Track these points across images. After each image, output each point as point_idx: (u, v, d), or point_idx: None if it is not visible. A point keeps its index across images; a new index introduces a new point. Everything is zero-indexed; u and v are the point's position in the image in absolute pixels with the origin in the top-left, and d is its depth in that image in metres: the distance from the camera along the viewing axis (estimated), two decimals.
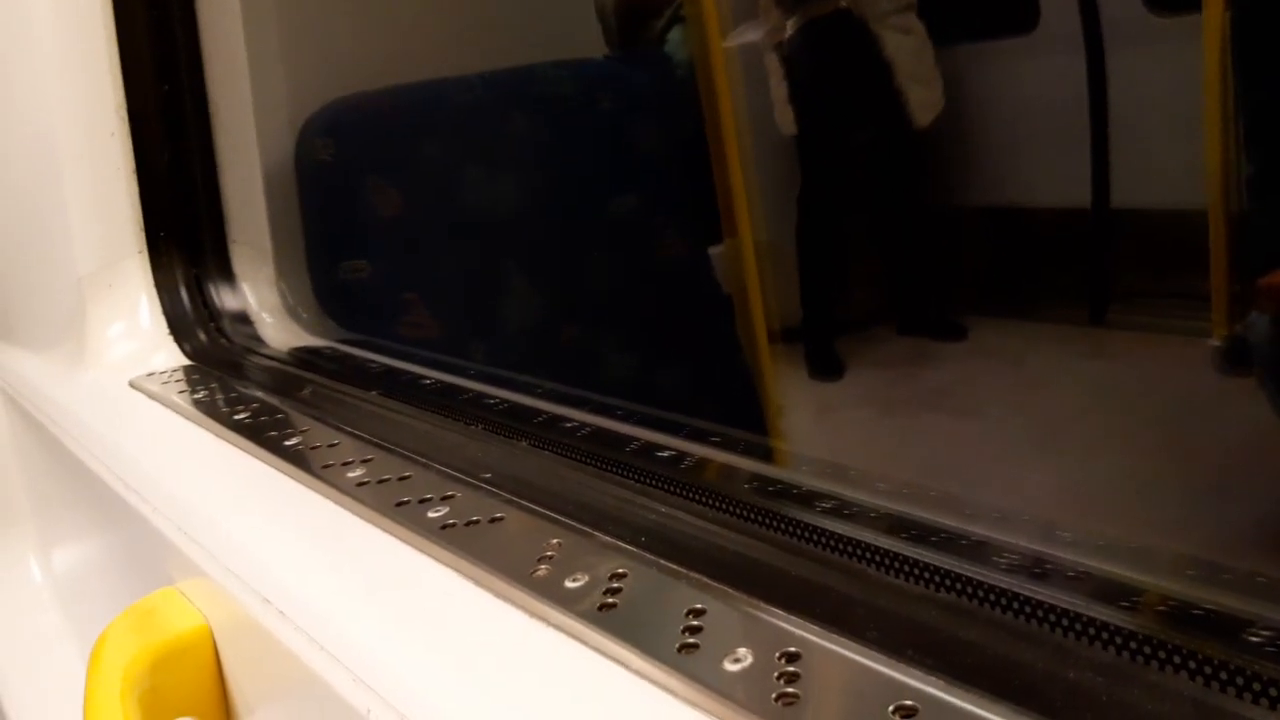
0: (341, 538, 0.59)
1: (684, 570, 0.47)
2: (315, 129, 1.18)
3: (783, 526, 0.49)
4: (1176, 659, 0.35)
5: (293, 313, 1.08)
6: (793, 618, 0.42)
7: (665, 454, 0.62)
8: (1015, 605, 0.39)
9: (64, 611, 1.24)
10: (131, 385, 0.95)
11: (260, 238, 1.10)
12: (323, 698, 0.47)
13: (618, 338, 1.32)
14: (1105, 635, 0.36)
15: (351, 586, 0.53)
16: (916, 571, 0.42)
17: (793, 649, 0.40)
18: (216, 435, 0.78)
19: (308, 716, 0.52)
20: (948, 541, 0.45)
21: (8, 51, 1.04)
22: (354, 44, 1.23)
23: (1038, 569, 0.42)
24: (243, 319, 1.06)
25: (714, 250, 1.51)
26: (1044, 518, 0.47)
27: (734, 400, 1.38)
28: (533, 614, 0.46)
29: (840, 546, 0.46)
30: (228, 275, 1.07)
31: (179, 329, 1.04)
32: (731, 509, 0.52)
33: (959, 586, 0.41)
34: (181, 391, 0.90)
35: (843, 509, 0.50)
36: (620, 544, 0.50)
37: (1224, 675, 0.33)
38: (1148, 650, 0.35)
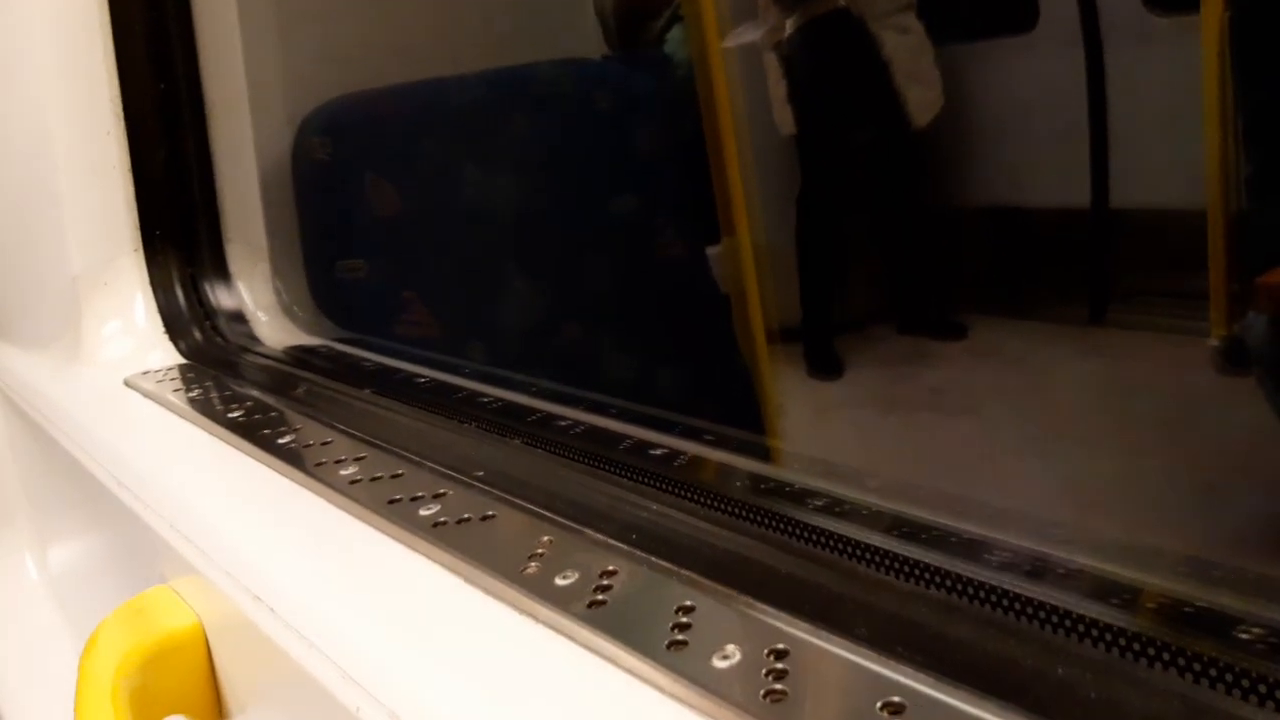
0: (334, 536, 0.58)
1: (674, 568, 0.47)
2: (312, 127, 1.18)
3: (773, 524, 0.49)
4: (1166, 656, 0.34)
5: (288, 311, 1.08)
6: (782, 615, 0.42)
7: (658, 452, 0.62)
8: (1005, 602, 0.39)
9: (59, 608, 1.24)
10: (126, 383, 0.95)
11: (256, 236, 1.10)
12: (313, 695, 0.47)
13: (616, 338, 1.31)
14: (1095, 632, 0.36)
15: (343, 584, 0.53)
16: (906, 569, 0.42)
17: (781, 646, 0.40)
18: (211, 433, 0.78)
19: (298, 714, 0.52)
20: (938, 539, 0.45)
21: (3, 50, 1.04)
22: (351, 42, 1.23)
23: (1028, 567, 0.41)
24: (238, 318, 1.06)
25: (712, 250, 1.51)
26: (1037, 516, 0.47)
27: (733, 400, 1.37)
28: (522, 611, 0.46)
29: (830, 544, 0.46)
30: (223, 274, 1.07)
31: (174, 327, 1.04)
32: (723, 507, 0.51)
33: (949, 584, 0.41)
34: (176, 390, 0.90)
35: (833, 507, 0.50)
36: (611, 542, 0.50)
37: (1214, 672, 0.33)
38: (1137, 647, 0.35)
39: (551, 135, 1.32)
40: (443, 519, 0.56)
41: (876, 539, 0.45)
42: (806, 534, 0.47)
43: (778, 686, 0.37)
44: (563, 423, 0.70)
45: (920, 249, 1.79)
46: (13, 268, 1.19)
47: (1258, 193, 1.07)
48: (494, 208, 1.25)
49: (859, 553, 0.44)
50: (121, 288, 1.03)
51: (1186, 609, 0.37)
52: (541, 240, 1.29)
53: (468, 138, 1.25)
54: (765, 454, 0.78)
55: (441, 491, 0.60)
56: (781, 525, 0.48)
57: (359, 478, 0.63)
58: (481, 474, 0.61)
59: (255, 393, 0.86)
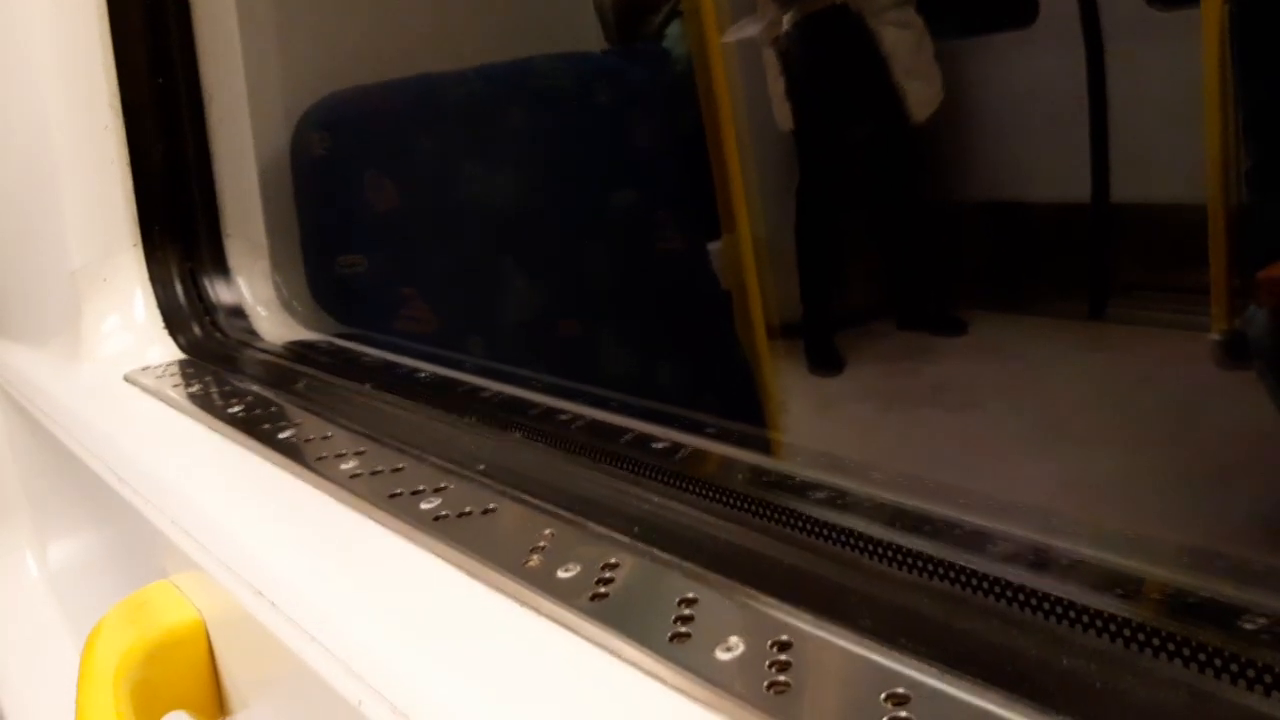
0: (335, 530, 0.58)
1: (676, 560, 0.47)
2: (311, 122, 1.18)
3: (775, 516, 0.48)
4: (1170, 646, 0.34)
5: (287, 306, 1.08)
6: (785, 606, 0.41)
7: (659, 445, 0.61)
8: (1009, 594, 0.39)
9: (60, 605, 1.24)
10: (126, 379, 0.95)
11: (255, 231, 1.09)
12: (315, 689, 0.47)
13: (616, 333, 1.31)
14: (1099, 623, 0.36)
15: (344, 578, 0.53)
16: (909, 560, 0.42)
17: (785, 637, 0.39)
18: (211, 429, 0.78)
19: (300, 708, 0.52)
20: (941, 530, 0.44)
21: (2, 46, 1.04)
22: (350, 37, 1.23)
23: (1032, 558, 0.41)
24: (238, 313, 1.06)
25: (713, 246, 1.51)
26: (1039, 507, 0.47)
27: (733, 396, 1.37)
28: (525, 604, 0.46)
29: (833, 535, 0.46)
30: (222, 269, 1.07)
31: (174, 323, 1.04)
32: (725, 499, 0.51)
33: (952, 575, 0.41)
34: (176, 385, 0.90)
35: (836, 498, 0.50)
36: (613, 534, 0.50)
37: (1218, 662, 0.33)
38: (1142, 638, 0.35)
39: (551, 130, 1.31)
40: (444, 513, 0.56)
41: (879, 531, 0.45)
42: (809, 526, 0.47)
43: (781, 678, 0.37)
44: (564, 416, 0.70)
45: (920, 244, 1.79)
46: (12, 263, 1.19)
47: (1258, 187, 1.07)
48: (493, 202, 1.25)
49: (861, 544, 0.44)
50: (121, 283, 1.03)
51: (1190, 599, 0.37)
52: (541, 235, 1.29)
53: (466, 132, 1.25)
54: (767, 447, 0.78)
55: (442, 485, 0.59)
56: (784, 517, 0.48)
57: (359, 472, 0.63)
58: (482, 467, 0.61)
59: (255, 388, 0.86)
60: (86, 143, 0.99)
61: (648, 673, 0.40)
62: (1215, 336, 1.16)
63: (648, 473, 0.56)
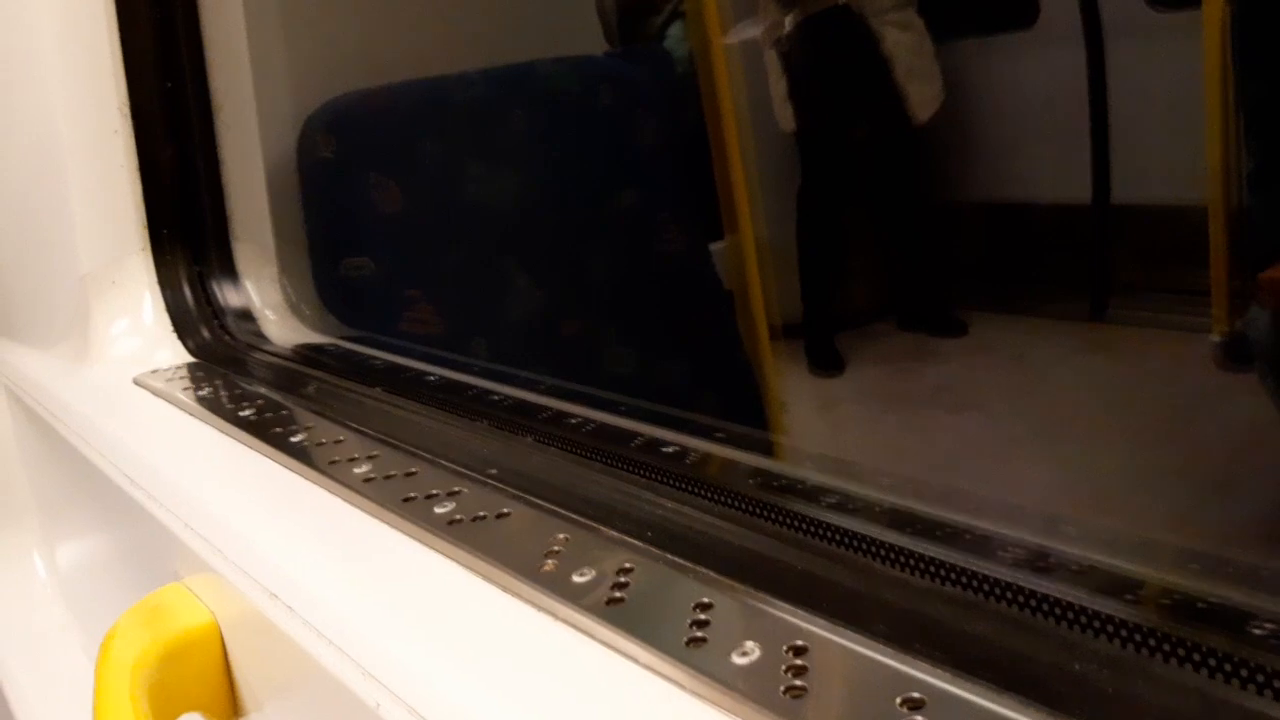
0: (349, 533, 0.59)
1: (691, 565, 0.47)
2: (318, 126, 1.18)
3: (788, 521, 0.49)
4: (1181, 651, 0.35)
5: (296, 310, 1.09)
6: (800, 611, 0.42)
7: (670, 449, 0.62)
8: (1021, 599, 0.39)
9: (68, 608, 1.25)
10: (135, 382, 0.95)
11: (263, 235, 1.10)
12: (331, 691, 0.47)
13: (619, 334, 1.32)
14: (1110, 628, 0.37)
15: (359, 581, 0.54)
16: (922, 565, 0.43)
17: (800, 642, 0.40)
18: (221, 431, 0.79)
19: (316, 710, 0.53)
20: (953, 535, 0.45)
21: (10, 49, 1.04)
22: (357, 41, 1.23)
23: (1042, 563, 0.42)
24: (246, 316, 1.06)
25: (715, 246, 1.51)
26: (1048, 512, 0.48)
27: (735, 396, 1.38)
28: (540, 608, 0.47)
29: (846, 541, 0.46)
30: (231, 272, 1.07)
31: (182, 326, 1.04)
32: (737, 504, 0.52)
33: (965, 580, 0.41)
34: (185, 388, 0.90)
35: (848, 504, 0.50)
36: (627, 539, 0.51)
37: (1228, 667, 0.34)
38: (1152, 643, 0.36)
39: (555, 132, 1.32)
40: (458, 517, 0.56)
41: (891, 536, 0.45)
42: (821, 531, 0.47)
43: (798, 683, 0.38)
44: (573, 420, 0.70)
45: (921, 245, 1.80)
46: (21, 267, 1.19)
47: (1259, 188, 1.07)
48: (498, 205, 1.25)
49: (874, 549, 0.45)
50: (129, 287, 1.03)
51: (1200, 604, 0.38)
52: (545, 237, 1.30)
53: (471, 135, 1.26)
54: (775, 451, 0.79)
55: (455, 489, 0.60)
56: (796, 523, 0.49)
57: (372, 476, 0.64)
58: (495, 472, 0.61)
59: (265, 391, 0.86)
60: (95, 147, 1.00)
61: (665, 677, 0.40)
62: (1216, 338, 1.17)
63: (659, 477, 0.57)
